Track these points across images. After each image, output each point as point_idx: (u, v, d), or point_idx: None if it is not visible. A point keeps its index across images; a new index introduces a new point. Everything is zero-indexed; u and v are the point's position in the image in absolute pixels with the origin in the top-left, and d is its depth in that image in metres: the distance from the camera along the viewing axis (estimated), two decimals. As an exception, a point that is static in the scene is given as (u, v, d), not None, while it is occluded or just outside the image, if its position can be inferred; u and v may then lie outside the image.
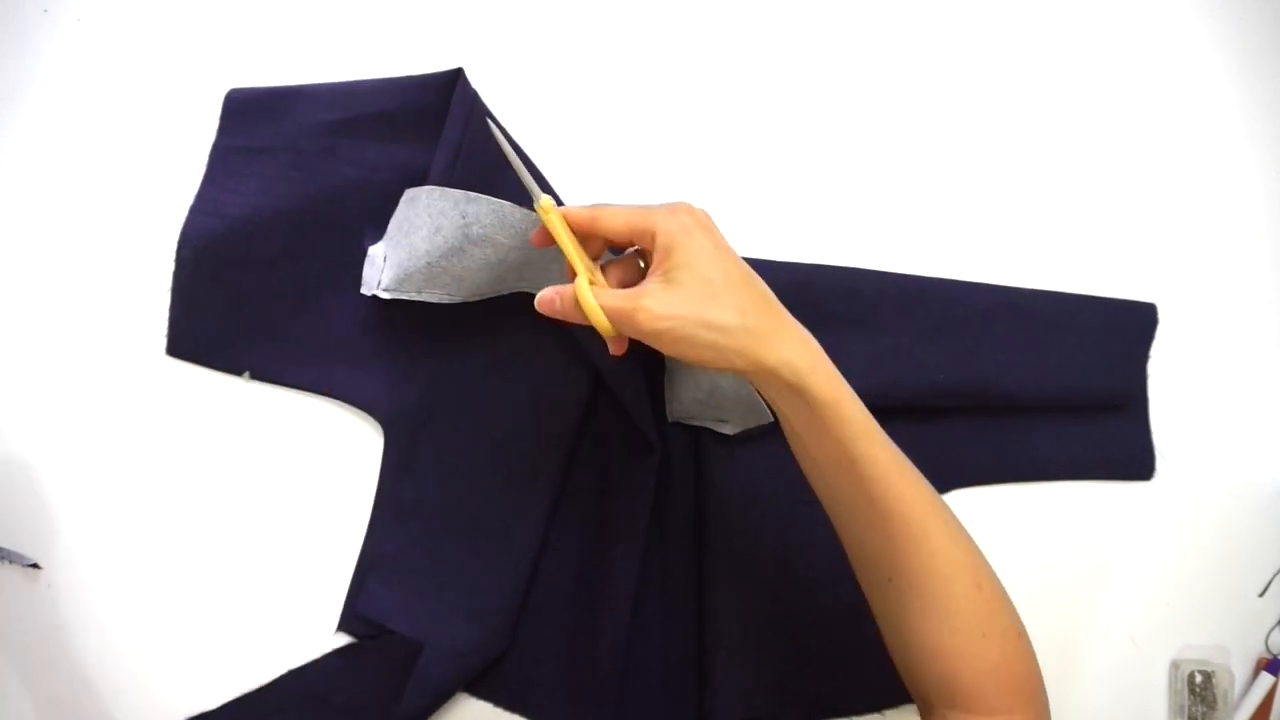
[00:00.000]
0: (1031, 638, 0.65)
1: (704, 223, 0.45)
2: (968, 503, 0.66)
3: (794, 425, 0.47)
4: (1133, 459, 0.68)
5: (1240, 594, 0.67)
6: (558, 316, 0.48)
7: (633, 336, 0.46)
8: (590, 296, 0.45)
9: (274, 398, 0.62)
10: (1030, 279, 0.68)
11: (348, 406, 0.62)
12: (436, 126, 0.61)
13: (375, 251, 0.61)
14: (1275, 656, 0.66)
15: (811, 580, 0.64)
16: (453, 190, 0.56)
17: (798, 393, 0.44)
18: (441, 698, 0.59)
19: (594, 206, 0.47)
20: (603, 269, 0.48)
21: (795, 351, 0.44)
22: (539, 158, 0.64)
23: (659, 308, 0.43)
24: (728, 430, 0.62)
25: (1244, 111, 0.73)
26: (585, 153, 0.67)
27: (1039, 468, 0.67)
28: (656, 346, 0.45)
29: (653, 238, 0.45)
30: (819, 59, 0.70)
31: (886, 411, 0.64)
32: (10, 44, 0.66)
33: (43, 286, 0.63)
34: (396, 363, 0.62)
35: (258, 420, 0.62)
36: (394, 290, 0.58)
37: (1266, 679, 0.65)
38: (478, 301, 0.59)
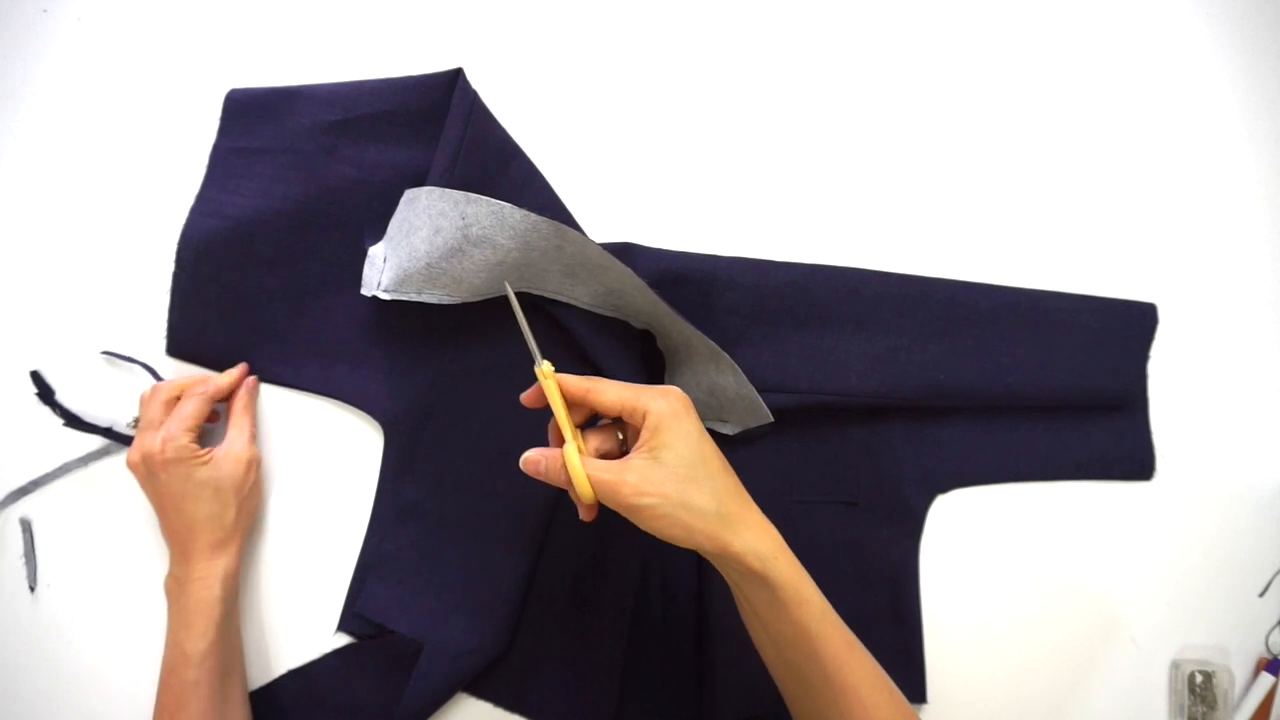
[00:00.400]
0: (1032, 638, 0.66)
1: (690, 409, 0.49)
2: (968, 503, 0.66)
3: (755, 606, 0.50)
4: (1133, 459, 0.68)
5: (1240, 594, 0.67)
6: (540, 478, 0.50)
7: (613, 507, 0.48)
8: (579, 465, 0.47)
9: (274, 398, 0.62)
10: (1030, 279, 0.68)
11: (348, 406, 0.62)
12: (436, 127, 0.61)
13: (375, 252, 0.61)
14: (1275, 656, 0.66)
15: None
16: (452, 191, 0.56)
17: (761, 577, 0.47)
18: (441, 698, 0.59)
19: (590, 379, 0.50)
20: (583, 434, 0.51)
21: (760, 539, 0.48)
22: (540, 157, 0.64)
23: (644, 484, 0.46)
24: (728, 430, 0.62)
25: (1244, 112, 0.73)
26: (585, 152, 0.67)
27: (1039, 468, 0.67)
28: (633, 519, 0.47)
29: (644, 416, 0.48)
30: (820, 59, 0.70)
31: (886, 411, 0.65)
32: (10, 44, 0.66)
33: (43, 286, 0.63)
34: (396, 363, 0.62)
35: (258, 420, 0.62)
36: (394, 291, 0.58)
37: (1266, 679, 0.65)
38: (477, 302, 0.59)
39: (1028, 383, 0.65)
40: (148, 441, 0.56)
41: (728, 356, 0.58)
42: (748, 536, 0.47)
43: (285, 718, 0.59)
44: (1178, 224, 0.71)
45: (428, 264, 0.56)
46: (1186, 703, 0.65)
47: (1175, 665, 0.66)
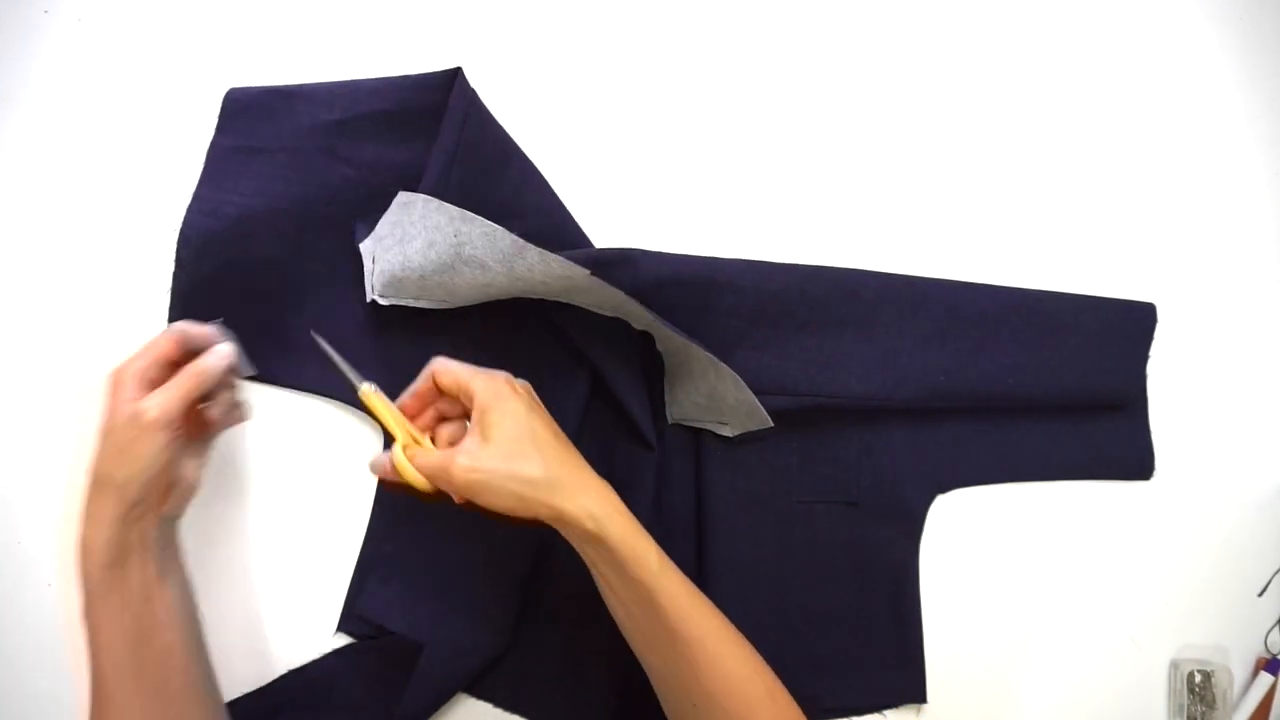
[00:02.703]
0: (1032, 638, 0.66)
1: (518, 390, 0.52)
2: (968, 503, 0.66)
3: (598, 568, 0.52)
4: (1133, 459, 0.68)
5: (1240, 594, 0.67)
6: (390, 480, 0.52)
7: (449, 490, 0.50)
8: (405, 463, 0.50)
9: (274, 398, 0.62)
10: (1030, 279, 0.68)
11: (348, 406, 0.62)
12: (436, 127, 0.61)
13: (365, 249, 0.61)
14: (1274, 656, 0.66)
15: (811, 580, 0.64)
16: (449, 206, 0.56)
17: (597, 536, 0.49)
18: (441, 698, 0.59)
19: (435, 361, 0.53)
20: (435, 431, 0.54)
21: (594, 500, 0.50)
22: (540, 157, 0.64)
23: (472, 462, 0.49)
24: (727, 432, 0.62)
25: (1246, 111, 0.73)
26: (586, 153, 0.67)
27: (1039, 468, 0.67)
28: (471, 498, 0.49)
29: (471, 398, 0.51)
30: (820, 58, 0.70)
31: (886, 413, 0.65)
32: (10, 44, 0.66)
33: (43, 286, 0.63)
34: (396, 363, 0.62)
35: (258, 420, 0.62)
36: (390, 296, 0.59)
37: (1265, 679, 0.65)
38: (476, 304, 0.60)
39: (1028, 384, 0.65)
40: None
41: (727, 367, 0.58)
42: (581, 499, 0.49)
43: (285, 718, 0.59)
44: (1177, 224, 0.71)
45: (421, 275, 0.57)
46: (1185, 702, 0.65)
47: (1174, 665, 0.66)
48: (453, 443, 0.53)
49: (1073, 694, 0.65)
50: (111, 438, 0.49)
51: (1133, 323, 0.68)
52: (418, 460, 0.50)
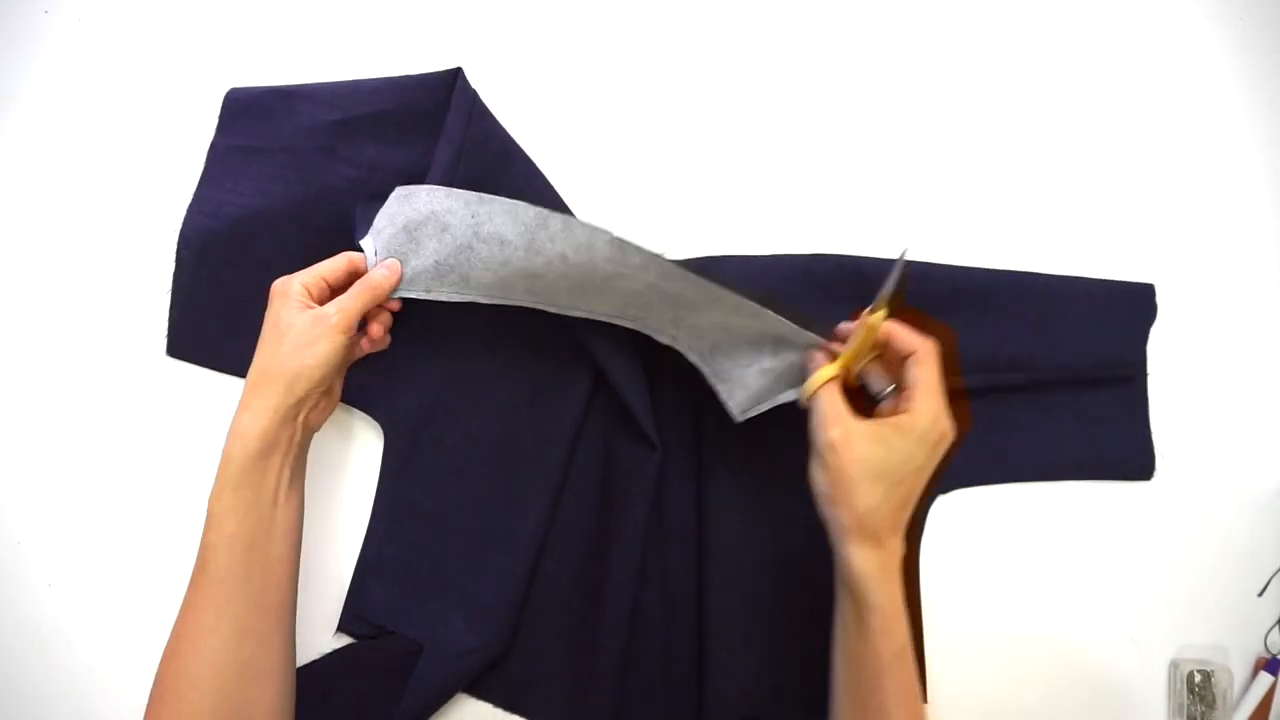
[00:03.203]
0: (1032, 638, 0.66)
1: (940, 448, 0.50)
2: (968, 503, 0.66)
3: (843, 614, 0.51)
4: (1133, 459, 0.68)
5: (1240, 594, 0.67)
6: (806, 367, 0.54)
7: (812, 430, 0.51)
8: (816, 382, 0.52)
9: (274, 398, 0.62)
10: (1030, 266, 0.68)
11: (348, 406, 0.62)
12: (436, 126, 0.62)
13: (366, 245, 0.58)
14: (1274, 656, 0.66)
15: (811, 580, 0.64)
16: (462, 191, 0.55)
17: (858, 594, 0.49)
18: (441, 698, 0.59)
19: (924, 343, 0.51)
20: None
21: (877, 564, 0.49)
22: (539, 157, 0.64)
23: (843, 445, 0.49)
24: (799, 398, 0.57)
25: (1246, 111, 0.72)
26: (586, 151, 0.67)
27: (1039, 468, 0.67)
28: (814, 454, 0.51)
29: (910, 407, 0.50)
30: (818, 49, 0.70)
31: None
32: (10, 44, 0.66)
33: (43, 287, 0.63)
34: (396, 364, 0.62)
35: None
36: (401, 290, 0.56)
37: (1265, 678, 0.65)
38: (477, 305, 0.59)
39: (1027, 354, 0.65)
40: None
41: (768, 311, 0.56)
42: (869, 555, 0.49)
43: (285, 717, 0.59)
44: (1178, 225, 0.71)
45: (435, 262, 0.55)
46: (1185, 702, 0.65)
47: (1174, 665, 0.66)
48: (866, 378, 0.54)
49: (1072, 693, 0.65)
50: (290, 334, 0.51)
51: (1133, 296, 0.68)
52: (823, 395, 0.51)
